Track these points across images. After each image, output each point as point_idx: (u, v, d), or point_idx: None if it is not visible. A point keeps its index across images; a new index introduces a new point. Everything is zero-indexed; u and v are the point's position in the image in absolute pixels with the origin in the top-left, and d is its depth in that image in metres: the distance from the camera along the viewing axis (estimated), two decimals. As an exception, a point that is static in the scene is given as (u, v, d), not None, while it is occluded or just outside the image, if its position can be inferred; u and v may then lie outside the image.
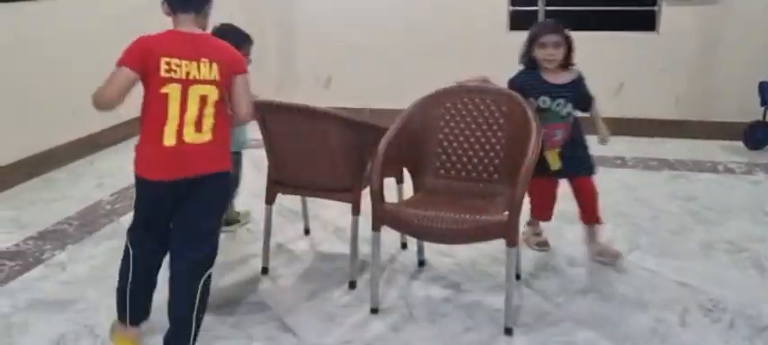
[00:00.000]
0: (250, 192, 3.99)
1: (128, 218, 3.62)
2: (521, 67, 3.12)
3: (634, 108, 5.36)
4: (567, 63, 3.05)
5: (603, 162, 4.72)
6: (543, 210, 3.27)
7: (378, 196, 2.66)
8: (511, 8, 5.57)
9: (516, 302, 2.79)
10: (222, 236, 3.53)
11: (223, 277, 3.09)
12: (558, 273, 3.09)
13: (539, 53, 3.00)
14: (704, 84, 5.32)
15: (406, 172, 3.09)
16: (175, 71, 2.31)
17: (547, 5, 5.50)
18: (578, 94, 3.05)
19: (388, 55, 5.78)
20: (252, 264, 3.21)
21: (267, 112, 2.99)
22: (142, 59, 2.31)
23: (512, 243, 2.51)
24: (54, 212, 3.89)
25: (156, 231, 2.43)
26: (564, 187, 3.15)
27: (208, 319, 2.71)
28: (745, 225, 3.63)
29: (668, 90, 5.36)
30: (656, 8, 5.31)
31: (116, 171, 4.66)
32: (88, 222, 3.76)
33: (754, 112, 5.00)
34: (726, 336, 2.56)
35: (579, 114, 3.11)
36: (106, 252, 3.37)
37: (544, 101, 3.00)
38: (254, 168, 4.34)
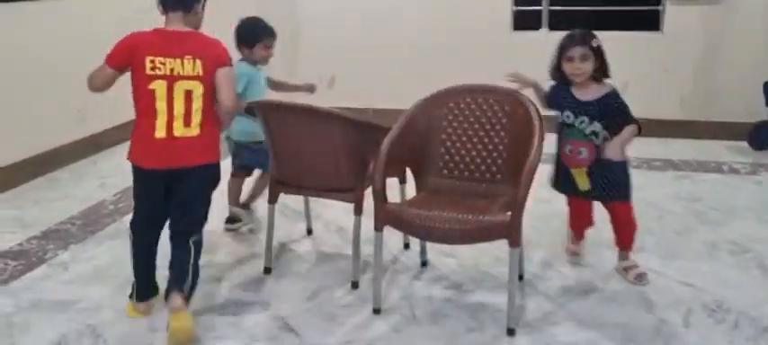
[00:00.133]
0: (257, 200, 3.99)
1: (130, 218, 3.64)
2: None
3: (638, 108, 5.24)
4: (599, 76, 2.84)
5: (607, 162, 4.72)
6: (576, 226, 3.17)
7: (380, 196, 2.65)
8: (514, 8, 5.56)
9: (519, 302, 2.78)
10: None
11: (226, 276, 3.09)
12: (560, 274, 3.08)
13: (566, 67, 2.82)
14: (709, 84, 5.30)
15: (408, 172, 3.08)
16: (159, 68, 2.49)
17: (550, 5, 5.49)
18: (607, 112, 2.81)
19: (391, 55, 5.78)
20: (254, 264, 3.20)
21: (270, 112, 2.99)
22: (127, 57, 2.55)
23: (514, 243, 2.50)
24: (57, 212, 3.89)
25: (155, 222, 2.72)
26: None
27: (209, 318, 2.72)
28: (750, 225, 3.61)
29: (673, 90, 5.34)
30: (660, 8, 5.30)
31: (119, 171, 4.66)
32: (91, 222, 3.76)
33: (758, 112, 4.98)
34: (730, 337, 2.55)
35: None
36: (109, 251, 3.37)
37: (567, 117, 2.87)
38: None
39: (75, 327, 2.67)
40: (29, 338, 2.61)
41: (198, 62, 2.51)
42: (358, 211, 2.89)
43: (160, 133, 2.51)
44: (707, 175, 4.47)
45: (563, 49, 2.81)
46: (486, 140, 2.91)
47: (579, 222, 3.14)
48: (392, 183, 2.89)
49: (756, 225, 3.62)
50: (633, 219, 2.96)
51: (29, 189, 4.34)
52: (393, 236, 3.10)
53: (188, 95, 2.51)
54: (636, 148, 4.95)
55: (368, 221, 2.77)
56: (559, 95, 2.90)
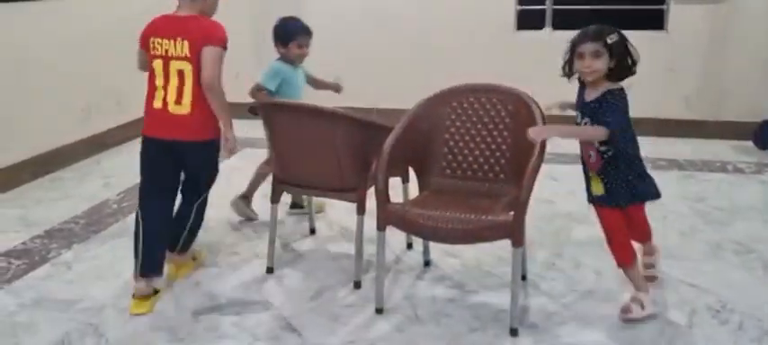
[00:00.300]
0: (257, 191, 3.99)
1: (134, 217, 3.64)
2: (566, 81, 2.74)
3: (643, 107, 5.27)
4: (615, 76, 2.56)
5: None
6: (634, 237, 2.81)
7: (383, 195, 2.65)
8: (518, 7, 5.54)
9: (522, 302, 2.77)
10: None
11: (228, 276, 3.09)
12: (564, 274, 3.07)
13: (576, 64, 2.58)
14: (713, 83, 5.27)
15: (411, 172, 3.07)
16: (157, 49, 2.78)
17: (554, 4, 5.47)
18: (599, 114, 2.54)
19: (394, 54, 5.77)
20: (257, 263, 3.20)
21: (273, 112, 2.99)
22: (143, 39, 2.86)
23: (517, 243, 2.49)
24: (60, 211, 3.89)
25: (158, 192, 2.89)
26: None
27: (212, 318, 2.72)
28: (755, 225, 3.59)
29: (677, 89, 5.32)
30: (664, 7, 5.28)
31: (122, 170, 4.67)
32: (94, 221, 3.77)
33: (763, 112, 4.96)
34: (734, 338, 2.54)
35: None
36: (112, 251, 3.37)
37: (577, 117, 2.68)
38: (260, 167, 4.34)
39: (77, 326, 2.67)
40: (32, 337, 2.61)
41: (185, 43, 2.72)
42: (361, 211, 2.89)
43: (157, 105, 2.81)
44: (712, 175, 4.45)
45: (575, 45, 2.58)
46: (489, 140, 2.90)
47: (614, 236, 2.69)
48: (395, 183, 2.88)
49: (761, 225, 3.61)
50: (645, 219, 2.83)
51: (32, 188, 4.35)
52: (396, 236, 3.10)
53: (180, 75, 2.75)
54: (639, 148, 5.00)
55: (371, 221, 2.76)
56: (577, 95, 2.71)
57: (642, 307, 2.64)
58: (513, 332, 2.56)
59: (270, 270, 3.12)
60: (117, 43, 5.19)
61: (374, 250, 2.75)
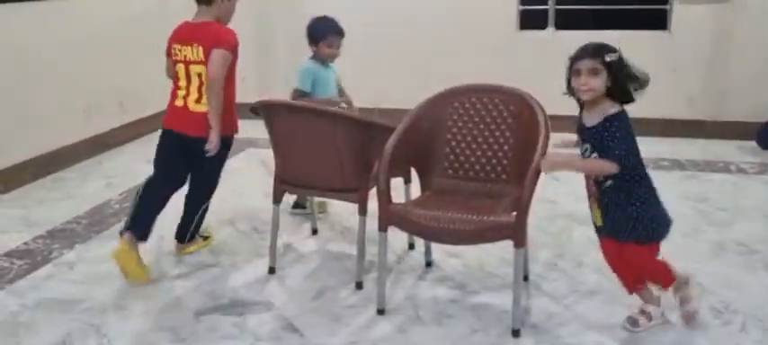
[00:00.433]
0: (259, 191, 4.00)
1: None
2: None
3: (645, 107, 5.24)
4: (617, 97, 2.40)
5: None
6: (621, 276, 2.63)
7: (385, 196, 2.64)
8: (520, 7, 5.53)
9: (524, 303, 2.76)
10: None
11: (230, 276, 3.09)
12: (566, 274, 3.06)
13: (573, 82, 2.41)
14: (717, 83, 5.26)
15: (413, 172, 3.07)
16: (178, 54, 3.03)
17: (557, 4, 5.46)
18: (601, 141, 2.36)
19: (396, 54, 5.77)
20: (259, 264, 3.20)
21: (274, 112, 2.99)
22: (168, 47, 3.11)
23: (519, 243, 2.49)
24: (62, 211, 3.90)
25: (168, 178, 3.12)
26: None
27: (214, 318, 2.72)
28: (758, 226, 3.58)
29: (680, 89, 5.31)
30: (667, 7, 5.26)
31: (124, 170, 4.68)
32: (96, 221, 3.77)
33: (767, 112, 4.94)
34: (737, 338, 2.53)
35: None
36: (114, 251, 3.37)
37: (577, 143, 2.53)
38: (263, 167, 4.35)
39: (79, 326, 2.67)
40: (34, 337, 2.61)
41: (200, 48, 2.96)
42: (362, 211, 2.88)
43: (179, 103, 3.06)
44: (714, 175, 4.44)
45: (572, 61, 2.42)
46: (491, 140, 2.90)
47: (617, 268, 2.60)
48: (397, 183, 2.88)
49: (764, 225, 3.59)
50: (643, 262, 2.52)
51: (34, 188, 4.35)
52: (398, 237, 3.09)
53: (199, 77, 3.00)
54: (642, 148, 4.97)
55: (372, 221, 2.76)
56: (577, 117, 2.53)
57: (650, 319, 2.58)
58: (515, 333, 2.56)
59: (272, 271, 3.12)
60: (119, 43, 5.22)
61: (376, 250, 2.74)
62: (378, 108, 5.45)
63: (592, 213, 2.55)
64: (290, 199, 3.75)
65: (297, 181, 3.06)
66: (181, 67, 3.03)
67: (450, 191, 2.89)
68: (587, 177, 2.51)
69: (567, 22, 5.44)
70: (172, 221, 3.74)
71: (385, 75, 5.75)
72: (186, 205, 3.23)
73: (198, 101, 3.01)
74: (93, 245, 3.45)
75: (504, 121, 2.88)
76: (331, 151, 2.85)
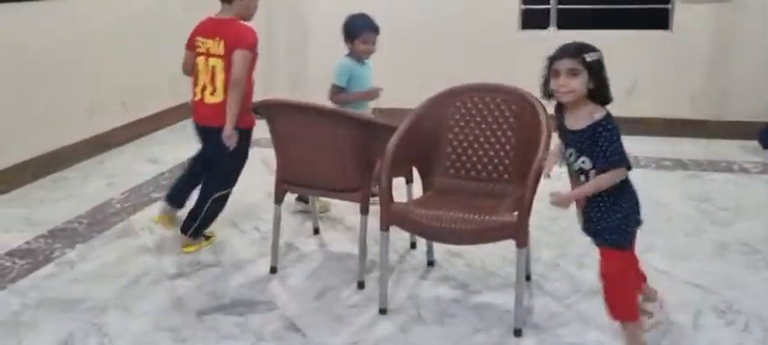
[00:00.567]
0: (261, 191, 4.00)
1: (137, 217, 3.66)
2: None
3: (647, 107, 5.31)
4: (598, 99, 2.29)
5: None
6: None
7: (387, 195, 2.64)
8: (522, 6, 5.53)
9: (526, 303, 2.76)
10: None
11: (232, 276, 3.09)
12: (568, 274, 3.06)
13: (552, 83, 2.30)
14: (719, 82, 5.25)
15: (415, 172, 3.06)
16: (200, 47, 3.19)
17: (559, 4, 5.45)
18: (593, 147, 2.26)
19: (399, 54, 5.75)
20: (261, 263, 3.19)
21: (275, 111, 2.98)
22: (190, 40, 3.28)
23: (521, 243, 2.48)
24: (64, 211, 3.89)
25: (198, 165, 3.45)
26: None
27: (216, 318, 2.71)
28: (761, 225, 3.57)
29: (682, 89, 5.30)
30: (669, 6, 5.25)
31: (126, 170, 4.67)
32: (98, 221, 3.77)
33: (769, 112, 4.94)
34: (740, 338, 2.52)
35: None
36: (115, 251, 3.37)
37: (561, 147, 2.44)
38: (264, 166, 4.34)
39: (81, 326, 2.67)
40: (35, 336, 2.61)
41: (222, 43, 3.12)
42: (364, 211, 2.88)
43: (197, 97, 3.22)
44: (717, 175, 4.43)
45: (551, 61, 2.31)
46: (493, 140, 2.89)
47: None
48: (399, 183, 2.88)
49: (767, 225, 3.58)
50: (616, 273, 2.34)
51: (36, 187, 4.35)
52: (399, 236, 3.09)
53: (214, 69, 3.15)
54: (645, 147, 4.99)
55: (374, 221, 2.75)
56: (557, 122, 2.42)
57: (650, 317, 2.55)
58: (517, 333, 2.55)
59: (273, 270, 3.12)
60: (120, 43, 5.22)
61: (378, 250, 2.74)
62: (379, 108, 5.45)
63: (578, 218, 2.46)
64: (292, 197, 3.74)
65: (298, 180, 3.06)
66: (201, 60, 3.18)
67: (451, 191, 2.88)
68: (573, 183, 2.40)
69: (569, 21, 5.43)
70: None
71: (386, 75, 5.72)
72: (199, 194, 3.32)
73: (213, 93, 3.16)
74: (94, 245, 3.45)
75: (506, 121, 2.88)
76: (333, 150, 2.85)
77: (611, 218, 2.31)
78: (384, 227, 2.66)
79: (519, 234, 2.48)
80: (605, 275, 2.34)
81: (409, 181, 3.18)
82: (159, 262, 3.22)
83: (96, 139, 5.03)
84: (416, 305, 2.80)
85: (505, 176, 2.87)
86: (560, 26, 5.47)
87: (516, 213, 2.51)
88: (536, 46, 5.41)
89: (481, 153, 2.91)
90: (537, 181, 2.48)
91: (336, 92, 3.55)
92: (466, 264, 3.15)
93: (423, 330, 2.63)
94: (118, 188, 4.29)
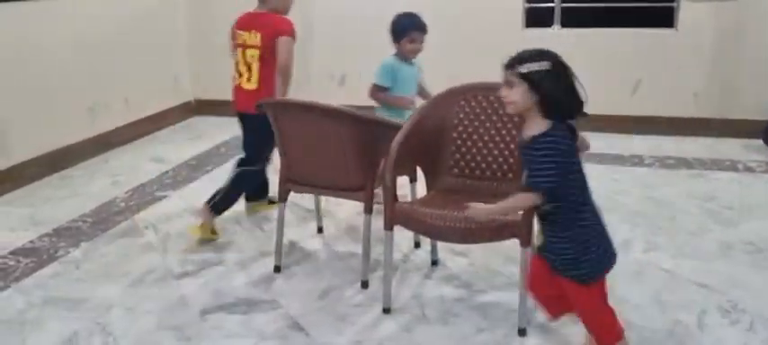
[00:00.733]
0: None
1: (142, 215, 3.66)
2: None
3: (652, 105, 5.30)
4: (551, 113, 2.11)
5: (621, 160, 4.68)
6: (533, 292, 2.38)
7: (390, 194, 2.64)
8: (526, 5, 5.52)
9: (530, 302, 2.75)
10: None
11: (235, 275, 3.09)
12: (573, 273, 3.05)
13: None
14: (723, 81, 5.24)
15: (419, 171, 3.06)
16: (238, 39, 3.44)
17: (563, 2, 5.44)
18: (526, 164, 2.14)
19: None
20: (264, 262, 3.20)
21: (279, 110, 2.98)
22: (231, 33, 3.54)
23: (526, 242, 2.47)
24: (68, 209, 3.90)
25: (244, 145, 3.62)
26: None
27: (219, 316, 2.72)
28: (765, 224, 3.56)
29: (686, 87, 5.29)
30: (674, 4, 5.24)
31: (130, 168, 4.68)
32: (102, 219, 3.77)
33: (774, 110, 4.93)
34: (745, 338, 2.52)
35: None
36: (120, 249, 3.38)
37: None
38: (269, 166, 4.34)
39: (85, 325, 2.67)
40: (40, 335, 2.61)
41: (258, 35, 3.35)
42: (368, 210, 2.88)
43: (236, 82, 3.48)
44: (721, 173, 4.42)
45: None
46: (497, 139, 2.89)
47: (535, 283, 2.35)
48: (402, 182, 2.87)
49: (772, 224, 3.58)
50: (587, 305, 2.19)
51: (40, 186, 4.36)
52: (403, 235, 3.09)
53: (253, 59, 3.38)
54: (648, 146, 4.97)
55: (378, 220, 2.75)
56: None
57: None
58: (522, 332, 2.55)
59: (277, 269, 3.12)
60: (124, 42, 5.22)
61: (381, 249, 2.74)
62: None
63: (538, 235, 2.34)
64: (297, 197, 3.74)
65: (302, 179, 3.06)
66: (239, 51, 3.42)
67: (455, 190, 2.88)
68: None
69: (572, 19, 5.42)
70: (176, 221, 3.75)
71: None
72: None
73: (249, 80, 3.41)
74: (98, 243, 3.45)
75: (510, 119, 2.87)
76: (337, 150, 2.85)
77: (565, 252, 2.14)
78: (388, 226, 2.66)
79: (523, 233, 2.47)
80: (577, 309, 2.23)
81: (413, 180, 3.17)
82: (163, 261, 3.23)
83: (100, 138, 5.04)
84: (420, 305, 2.80)
85: (510, 175, 2.86)
86: (564, 24, 5.46)
87: (520, 212, 2.50)
88: (540, 45, 5.41)
89: (485, 152, 2.90)
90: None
91: (376, 90, 3.52)
92: (470, 263, 3.14)
93: (427, 329, 2.62)
94: (122, 186, 4.30)
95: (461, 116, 2.93)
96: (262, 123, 3.07)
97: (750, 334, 2.54)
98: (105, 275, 3.11)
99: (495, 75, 3.08)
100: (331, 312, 2.76)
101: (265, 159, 3.55)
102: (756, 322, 2.61)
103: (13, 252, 3.34)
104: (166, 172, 4.60)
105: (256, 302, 2.85)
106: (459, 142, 2.93)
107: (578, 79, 2.14)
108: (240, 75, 3.45)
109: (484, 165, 2.90)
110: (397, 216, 2.64)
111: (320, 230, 3.57)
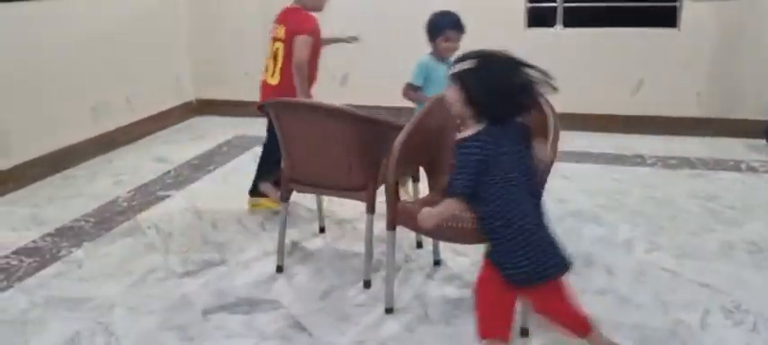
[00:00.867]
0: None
1: (144, 215, 3.66)
2: None
3: (654, 105, 5.29)
4: (482, 115, 2.14)
5: (622, 160, 4.68)
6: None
7: (393, 194, 2.64)
8: (528, 5, 5.51)
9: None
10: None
11: (238, 274, 3.09)
12: (575, 274, 3.02)
13: None
14: (726, 80, 5.23)
15: (421, 171, 3.06)
16: (272, 32, 3.54)
17: (565, 2, 5.43)
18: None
19: (404, 52, 5.74)
20: (266, 262, 3.20)
21: (281, 110, 2.98)
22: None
23: (528, 242, 2.47)
24: (71, 209, 3.91)
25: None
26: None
27: (221, 316, 2.72)
28: (768, 225, 3.56)
29: (689, 87, 5.28)
30: (677, 4, 5.23)
31: (133, 168, 4.69)
32: (105, 219, 3.77)
33: (777, 110, 4.92)
34: (748, 338, 2.51)
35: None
36: (122, 249, 3.38)
37: None
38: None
39: (87, 325, 2.68)
40: (42, 335, 2.62)
41: (282, 28, 3.46)
42: (370, 210, 2.88)
43: (263, 76, 3.59)
44: (724, 173, 4.41)
45: None
46: (499, 138, 2.88)
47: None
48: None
49: (774, 224, 3.57)
50: (478, 284, 2.24)
51: (43, 186, 4.36)
52: (406, 235, 3.09)
53: (277, 52, 3.48)
54: (651, 146, 4.96)
55: (380, 220, 2.75)
56: None
57: None
58: (524, 332, 2.55)
59: (279, 269, 3.12)
60: (126, 41, 5.23)
61: (384, 249, 2.74)
62: (386, 106, 5.44)
63: None
64: (299, 197, 3.75)
65: (305, 179, 3.05)
66: (271, 43, 3.54)
67: (458, 190, 2.87)
68: None
69: (575, 19, 5.41)
70: (178, 220, 3.75)
71: (394, 73, 5.73)
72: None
73: (273, 74, 3.51)
74: (101, 243, 3.46)
75: (513, 120, 2.86)
76: (339, 149, 2.85)
77: (495, 249, 2.15)
78: (390, 226, 2.66)
79: (525, 233, 2.46)
80: (476, 282, 2.20)
81: (416, 179, 3.17)
82: (166, 261, 3.23)
83: (103, 138, 5.04)
84: (423, 305, 2.80)
85: (512, 175, 2.85)
86: (567, 24, 5.45)
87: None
88: (542, 44, 5.44)
89: (487, 152, 2.90)
90: (544, 180, 2.47)
91: (409, 89, 3.50)
92: (472, 263, 3.14)
93: (429, 329, 2.62)
94: (125, 186, 4.30)
95: (464, 116, 2.92)
96: None
97: (753, 335, 2.54)
98: (108, 275, 3.11)
99: (497, 74, 3.09)
100: (333, 312, 2.76)
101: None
102: (759, 323, 2.61)
103: (15, 252, 3.35)
104: (169, 171, 4.60)
105: (258, 302, 2.85)
106: (461, 142, 2.92)
107: (529, 79, 2.13)
108: (266, 68, 3.54)
109: (486, 165, 2.89)
110: (399, 215, 2.64)
111: (322, 230, 3.57)
